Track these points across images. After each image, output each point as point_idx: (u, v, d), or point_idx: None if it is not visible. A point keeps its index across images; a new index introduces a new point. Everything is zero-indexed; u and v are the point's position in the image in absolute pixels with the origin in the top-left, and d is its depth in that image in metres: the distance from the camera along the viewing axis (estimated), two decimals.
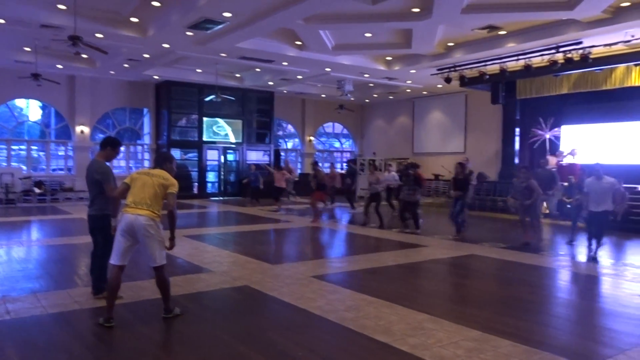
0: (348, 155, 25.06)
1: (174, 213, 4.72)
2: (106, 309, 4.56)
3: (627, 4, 9.78)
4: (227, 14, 10.53)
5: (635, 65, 12.84)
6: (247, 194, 17.77)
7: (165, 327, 4.64)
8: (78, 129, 17.87)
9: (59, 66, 15.83)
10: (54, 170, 18.57)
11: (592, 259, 7.90)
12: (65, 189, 17.78)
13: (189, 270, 6.90)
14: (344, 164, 24.37)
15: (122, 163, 19.59)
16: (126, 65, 15.83)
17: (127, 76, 17.78)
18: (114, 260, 4.62)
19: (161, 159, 5.05)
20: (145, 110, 19.59)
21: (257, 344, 4.21)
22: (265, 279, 6.44)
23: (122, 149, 19.04)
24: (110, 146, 5.45)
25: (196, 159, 19.62)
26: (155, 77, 17.71)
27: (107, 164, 5.44)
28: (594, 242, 8.12)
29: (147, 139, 19.75)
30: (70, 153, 18.42)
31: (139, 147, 20.05)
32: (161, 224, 4.68)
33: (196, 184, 19.67)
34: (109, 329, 4.44)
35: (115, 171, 19.71)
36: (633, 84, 13.25)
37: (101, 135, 18.97)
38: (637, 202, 10.62)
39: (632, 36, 10.96)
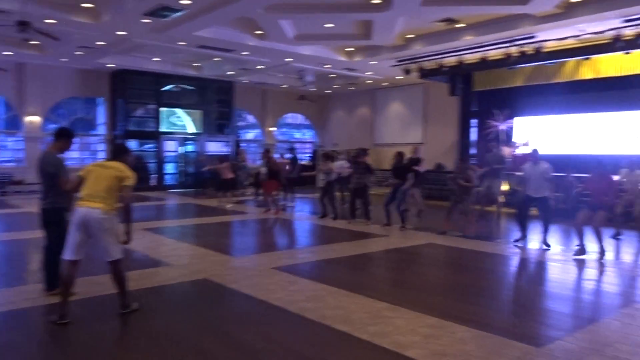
0: (309, 146, 25.06)
1: (129, 206, 4.62)
2: (59, 306, 4.42)
3: None
4: (185, 1, 10.29)
5: (585, 59, 13.33)
6: (208, 185, 17.47)
7: (122, 323, 4.55)
8: (28, 119, 17.15)
9: (7, 53, 15.12)
10: (2, 162, 17.79)
11: (545, 244, 8.11)
12: (15, 181, 17.06)
13: (146, 264, 6.78)
14: (305, 155, 24.39)
15: (76, 154, 18.93)
16: (79, 53, 15.26)
17: (80, 64, 17.15)
18: (67, 255, 4.49)
19: (117, 151, 4.95)
20: (99, 99, 18.97)
21: (217, 337, 4.19)
22: (225, 271, 6.40)
23: (76, 140, 18.57)
24: (63, 137, 5.26)
25: (154, 150, 19.19)
26: (111, 65, 17.16)
27: (60, 155, 5.25)
28: (542, 227, 8.28)
29: (102, 130, 19.16)
30: (20, 144, 17.67)
31: (94, 138, 19.42)
32: (117, 217, 4.57)
33: (154, 175, 19.26)
34: (62, 326, 4.32)
35: (68, 163, 19.07)
36: (582, 78, 13.76)
37: (53, 126, 18.27)
38: (585, 190, 11.06)
39: (582, 31, 11.35)
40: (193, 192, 18.05)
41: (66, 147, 5.32)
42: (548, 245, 8.11)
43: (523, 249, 8.15)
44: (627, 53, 12.31)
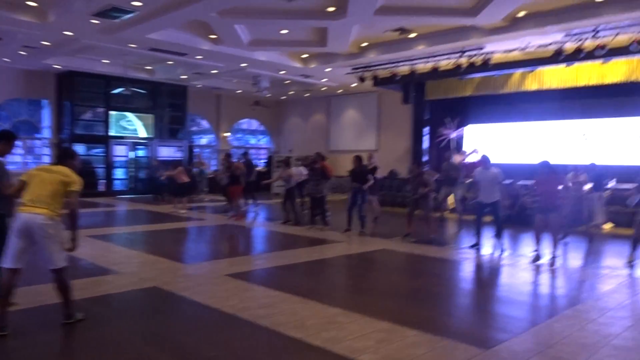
0: (264, 152, 24.94)
1: (75, 212, 4.45)
2: None
3: (523, 13, 10.58)
4: (136, 3, 10.05)
5: (530, 71, 13.93)
6: (163, 190, 16.97)
7: (66, 334, 4.36)
8: None
9: None
10: None
11: (499, 249, 8.36)
12: None
13: (93, 272, 6.54)
14: (261, 161, 24.26)
15: (18, 158, 18.07)
16: (23, 53, 14.60)
17: (24, 64, 16.40)
18: (7, 263, 4.26)
19: (63, 155, 4.75)
20: (45, 101, 18.21)
21: (167, 346, 4.08)
22: (177, 279, 6.25)
23: (19, 143, 17.76)
24: (4, 140, 5.00)
25: (103, 154, 18.58)
26: (57, 66, 16.51)
27: (1, 159, 5.00)
28: (495, 233, 8.59)
29: (46, 133, 18.37)
30: None
31: (38, 142, 18.60)
32: (62, 223, 4.39)
33: (103, 181, 18.64)
34: (2, 337, 4.09)
35: (9, 167, 18.19)
36: (528, 89, 14.37)
37: None
38: (531, 197, 11.53)
39: (527, 44, 11.85)
40: (145, 198, 17.57)
41: (7, 151, 5.08)
42: (502, 250, 8.35)
43: (477, 254, 8.37)
44: (569, 66, 12.97)
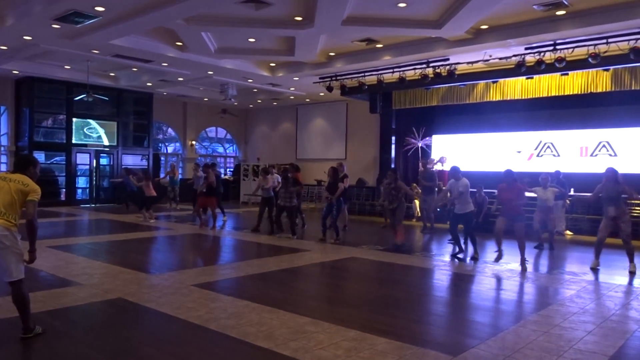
0: (232, 160, 24.72)
1: (34, 223, 4.27)
2: None
3: (486, 27, 10.87)
4: (99, 8, 9.84)
5: (493, 82, 14.30)
6: (121, 199, 16.65)
7: (24, 348, 4.17)
8: None
9: None
10: None
11: (472, 258, 8.54)
12: None
13: (53, 284, 6.30)
14: (228, 170, 24.02)
15: None
16: None
17: None
18: None
19: (24, 163, 4.54)
20: (2, 108, 17.57)
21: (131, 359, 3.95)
22: (142, 290, 6.09)
23: None
24: None
25: (64, 162, 18.04)
26: (15, 71, 15.98)
27: None
28: (469, 243, 8.87)
29: (4, 140, 17.71)
30: None
31: None
32: (19, 234, 4.22)
33: (63, 190, 18.08)
34: None
35: None
36: (491, 99, 14.75)
37: None
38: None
39: (490, 56, 12.18)
40: (109, 207, 17.13)
41: None
42: (474, 259, 8.50)
43: (451, 262, 8.50)
44: (530, 78, 13.38)
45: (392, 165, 17.43)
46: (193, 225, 12.21)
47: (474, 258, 8.56)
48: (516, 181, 8.08)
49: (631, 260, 7.66)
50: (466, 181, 8.61)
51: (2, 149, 17.68)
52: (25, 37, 11.91)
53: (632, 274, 7.51)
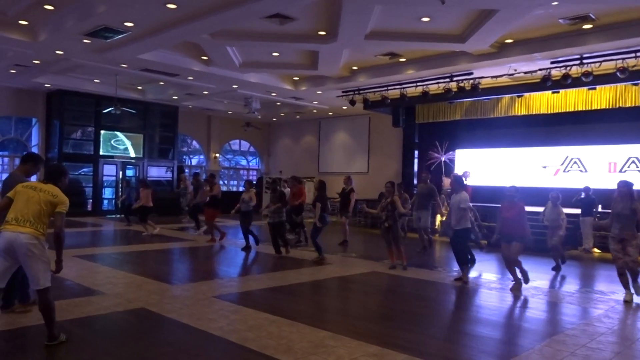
0: (254, 173, 24.91)
1: (61, 235, 4.36)
2: None
3: (510, 40, 10.79)
4: (128, 24, 10.11)
5: (518, 96, 14.15)
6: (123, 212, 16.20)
7: (48, 356, 4.24)
8: None
9: None
10: None
11: (463, 282, 7.72)
12: None
13: (78, 292, 6.41)
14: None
15: (5, 177, 17.86)
16: (13, 71, 14.57)
17: (13, 82, 16.35)
18: None
19: (56, 173, 4.63)
20: (33, 120, 18.11)
21: None
22: (164, 300, 6.15)
23: (6, 160, 17.54)
24: (30, 162, 5.40)
25: (91, 174, 18.43)
26: (47, 85, 16.48)
27: (25, 178, 5.19)
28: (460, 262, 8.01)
29: (35, 151, 18.22)
30: None
31: None
32: (46, 242, 4.31)
33: (90, 200, 18.45)
34: None
35: None
36: (516, 114, 14.58)
37: None
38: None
39: (515, 70, 12.07)
40: (133, 218, 17.39)
41: (32, 172, 5.44)
42: (465, 282, 7.73)
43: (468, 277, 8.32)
44: (556, 92, 13.20)
45: (415, 181, 17.33)
46: (212, 238, 12.04)
47: (461, 279, 7.79)
48: (517, 201, 7.35)
49: (627, 286, 6.76)
50: (464, 195, 7.87)
51: None
52: (57, 52, 12.29)
53: (627, 303, 6.64)
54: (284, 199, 10.26)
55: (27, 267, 4.20)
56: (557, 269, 9.01)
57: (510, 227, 7.24)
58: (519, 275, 7.37)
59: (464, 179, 15.34)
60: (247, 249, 10.67)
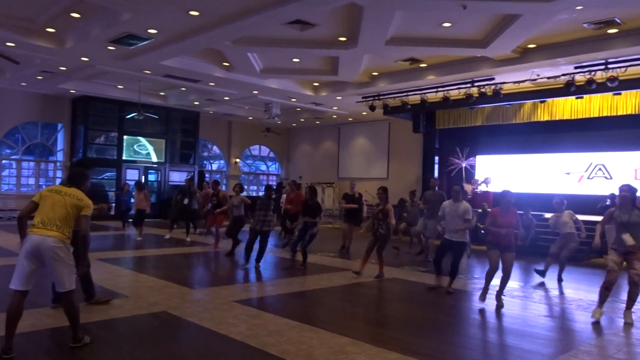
0: (274, 178, 25.01)
1: (86, 237, 4.43)
2: (5, 339, 4.15)
3: (533, 45, 10.67)
4: (152, 31, 10.28)
5: (541, 102, 13.96)
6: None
7: (72, 358, 4.31)
8: None
9: None
10: None
11: (448, 293, 7.31)
12: None
13: (102, 295, 6.49)
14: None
15: (32, 181, 18.29)
16: (40, 77, 14.94)
17: (40, 88, 16.76)
18: (15, 284, 4.23)
19: (79, 177, 4.70)
20: (59, 125, 18.51)
21: None
22: (185, 304, 6.20)
23: (32, 165, 17.94)
24: (82, 168, 5.62)
25: (114, 178, 18.74)
26: (72, 91, 16.83)
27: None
28: (450, 273, 7.45)
29: (60, 156, 18.61)
30: None
31: (51, 164, 18.83)
32: (71, 246, 4.39)
33: (113, 204, 18.73)
34: None
35: (22, 190, 18.31)
36: (538, 119, 14.39)
37: (8, 151, 17.69)
38: (544, 228, 11.38)
39: (538, 75, 11.92)
40: (155, 222, 17.60)
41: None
42: (450, 293, 7.31)
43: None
44: (580, 98, 12.99)
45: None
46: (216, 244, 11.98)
47: (449, 292, 7.34)
48: (512, 206, 6.76)
49: (629, 307, 6.07)
50: (466, 205, 7.42)
51: (58, 164, 18.57)
52: (83, 59, 12.55)
53: (628, 325, 5.93)
54: (269, 204, 9.23)
55: (53, 270, 4.27)
56: (542, 274, 8.71)
57: (506, 235, 6.53)
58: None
59: (485, 185, 15.33)
60: (231, 254, 10.32)
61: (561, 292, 7.88)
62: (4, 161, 17.72)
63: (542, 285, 8.41)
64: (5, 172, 17.91)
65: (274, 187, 16.75)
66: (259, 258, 9.08)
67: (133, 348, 4.62)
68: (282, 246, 11.40)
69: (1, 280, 6.89)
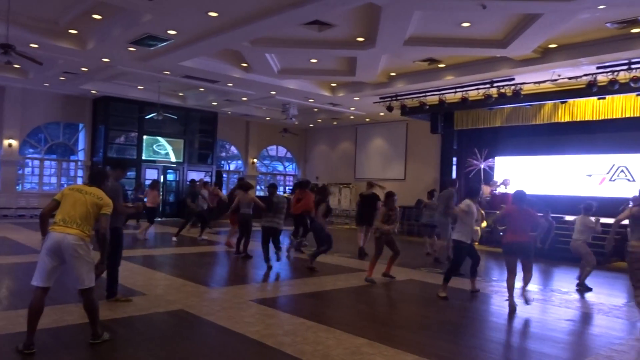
0: (291, 178, 25.07)
1: (106, 235, 4.49)
2: (27, 334, 4.23)
3: (554, 45, 10.51)
4: (171, 32, 10.39)
5: (562, 102, 13.75)
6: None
7: (92, 354, 4.37)
8: (6, 142, 16.86)
9: None
10: None
11: (472, 292, 7.39)
12: None
13: (120, 293, 6.57)
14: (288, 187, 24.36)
15: (53, 180, 18.62)
16: (62, 78, 15.20)
17: (62, 89, 17.06)
18: (37, 281, 4.31)
19: (99, 177, 4.79)
20: (80, 125, 18.81)
21: None
22: (202, 302, 6.24)
23: (54, 164, 18.26)
24: (119, 168, 6.16)
25: (134, 177, 18.96)
26: (93, 91, 17.10)
27: (117, 183, 5.89)
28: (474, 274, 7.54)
29: (81, 155, 18.92)
30: None
31: (73, 164, 19.14)
32: (91, 244, 4.45)
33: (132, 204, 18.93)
34: (29, 356, 4.13)
35: (45, 188, 18.60)
36: (559, 120, 14.16)
37: (31, 150, 18.03)
38: (563, 231, 11.22)
39: (559, 76, 11.74)
40: (174, 221, 17.77)
41: (122, 176, 6.20)
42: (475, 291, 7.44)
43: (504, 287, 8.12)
44: (602, 98, 12.76)
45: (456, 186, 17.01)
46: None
47: (474, 292, 7.41)
48: (527, 207, 6.69)
49: None
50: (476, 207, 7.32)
51: (80, 163, 18.88)
52: (104, 59, 12.74)
53: None
54: (270, 204, 9.33)
55: (73, 267, 4.34)
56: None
57: (519, 238, 6.48)
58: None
59: (504, 186, 15.15)
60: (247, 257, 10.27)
61: (582, 296, 7.75)
62: (27, 160, 18.06)
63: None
64: (29, 171, 18.25)
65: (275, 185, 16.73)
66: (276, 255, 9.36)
67: (151, 345, 4.66)
68: (295, 247, 11.42)
69: (23, 277, 7.04)
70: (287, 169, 25.42)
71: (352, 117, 19.82)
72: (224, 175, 22.63)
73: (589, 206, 8.36)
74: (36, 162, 18.24)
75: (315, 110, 18.93)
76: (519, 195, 6.79)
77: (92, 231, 4.49)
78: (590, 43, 10.15)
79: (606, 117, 13.23)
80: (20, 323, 4.68)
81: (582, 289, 8.10)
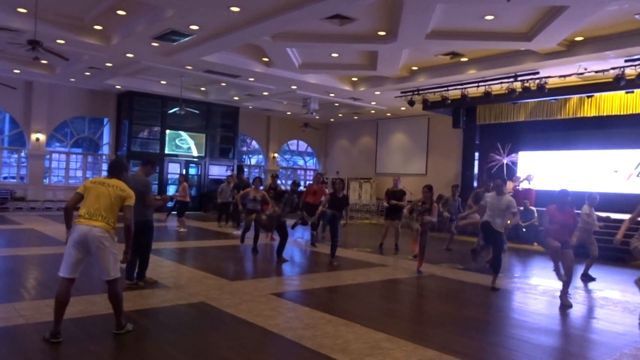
0: (311, 173, 25.11)
1: (130, 227, 4.57)
2: (54, 324, 4.35)
3: (581, 38, 10.29)
4: (194, 27, 10.48)
5: (588, 97, 13.46)
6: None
7: (116, 344, 4.47)
8: (33, 136, 17.27)
9: (16, 71, 15.33)
10: (4, 178, 17.81)
11: (493, 290, 7.38)
12: (17, 198, 17.07)
13: (143, 285, 6.69)
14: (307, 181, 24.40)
15: (79, 173, 19.00)
16: (87, 73, 15.47)
17: (88, 84, 17.37)
18: (63, 272, 4.42)
19: (118, 168, 4.84)
20: (105, 119, 19.15)
21: None
22: (223, 295, 6.32)
23: (80, 158, 18.62)
24: (149, 164, 6.58)
25: (157, 172, 19.22)
26: (118, 86, 17.37)
27: (146, 178, 6.41)
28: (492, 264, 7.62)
29: (106, 149, 19.26)
30: (24, 161, 17.75)
31: (97, 158, 19.50)
32: (116, 236, 4.54)
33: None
34: (55, 344, 4.24)
35: (71, 182, 18.98)
36: (585, 115, 13.88)
37: (57, 144, 18.41)
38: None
39: (585, 69, 11.50)
40: (196, 215, 17.99)
41: (151, 172, 6.62)
42: (495, 289, 7.41)
43: (527, 284, 8.03)
44: (630, 92, 12.46)
45: (475, 183, 16.85)
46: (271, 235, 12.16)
47: (494, 289, 7.39)
48: (569, 205, 6.90)
49: None
50: (509, 198, 7.52)
51: (104, 157, 19.22)
52: (128, 55, 12.92)
53: None
54: (282, 195, 9.46)
55: (99, 259, 4.43)
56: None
57: (564, 233, 6.79)
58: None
59: (527, 182, 14.94)
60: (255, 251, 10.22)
61: (607, 295, 7.61)
62: (53, 154, 18.46)
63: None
64: (55, 165, 18.67)
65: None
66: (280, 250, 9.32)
67: (173, 336, 4.74)
68: (312, 243, 11.47)
69: (50, 268, 7.22)
70: (307, 164, 25.47)
71: (373, 111, 19.74)
72: (245, 169, 22.77)
73: (593, 198, 8.89)
74: (62, 156, 18.63)
75: (336, 104, 18.90)
76: (563, 195, 6.92)
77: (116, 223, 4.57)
78: (617, 35, 9.91)
79: (634, 112, 12.92)
80: (48, 313, 4.82)
81: (586, 279, 8.50)
